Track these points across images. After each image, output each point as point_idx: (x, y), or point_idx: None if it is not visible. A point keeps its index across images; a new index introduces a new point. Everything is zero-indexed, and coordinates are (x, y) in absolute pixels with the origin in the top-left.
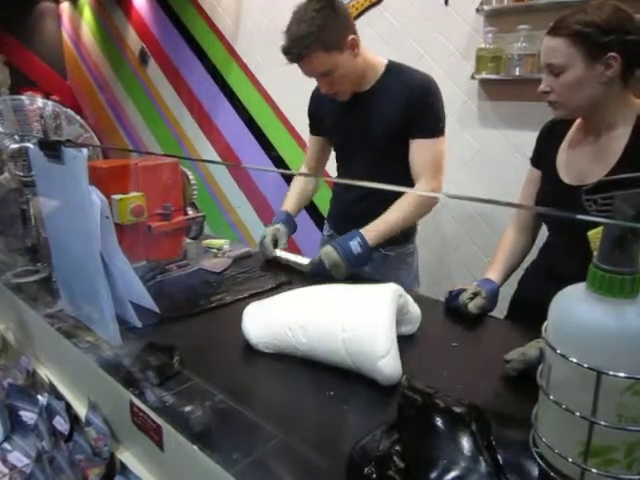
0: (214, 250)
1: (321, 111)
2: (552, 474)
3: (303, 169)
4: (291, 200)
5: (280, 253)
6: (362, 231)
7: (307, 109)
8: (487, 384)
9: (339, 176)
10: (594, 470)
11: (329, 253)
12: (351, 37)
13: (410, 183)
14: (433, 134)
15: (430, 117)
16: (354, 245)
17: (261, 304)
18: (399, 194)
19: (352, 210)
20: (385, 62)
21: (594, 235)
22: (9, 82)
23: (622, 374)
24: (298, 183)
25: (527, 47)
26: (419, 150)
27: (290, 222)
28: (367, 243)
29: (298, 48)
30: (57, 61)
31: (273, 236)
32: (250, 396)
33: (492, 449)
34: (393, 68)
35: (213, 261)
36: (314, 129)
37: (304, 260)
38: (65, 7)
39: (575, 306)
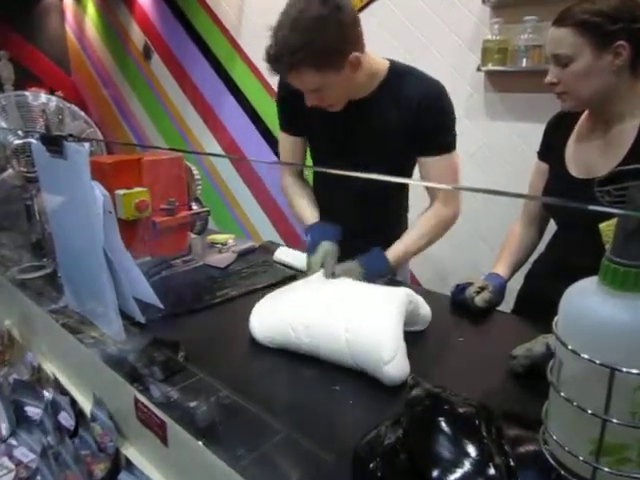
0: (218, 245)
1: (299, 108)
2: (563, 472)
3: (288, 176)
4: (311, 210)
5: (280, 256)
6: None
7: (279, 105)
8: (493, 379)
9: (321, 188)
10: (606, 469)
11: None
12: (353, 55)
13: (405, 203)
14: (450, 148)
15: (447, 130)
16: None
17: (270, 299)
18: (401, 209)
19: (348, 225)
20: (387, 64)
21: (606, 228)
22: (13, 78)
23: (636, 371)
24: (300, 191)
25: (534, 38)
26: (437, 167)
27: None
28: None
29: (284, 60)
30: (61, 57)
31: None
32: (255, 391)
33: (504, 453)
34: (396, 71)
35: (218, 256)
36: (287, 126)
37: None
38: (68, 3)
39: (587, 301)
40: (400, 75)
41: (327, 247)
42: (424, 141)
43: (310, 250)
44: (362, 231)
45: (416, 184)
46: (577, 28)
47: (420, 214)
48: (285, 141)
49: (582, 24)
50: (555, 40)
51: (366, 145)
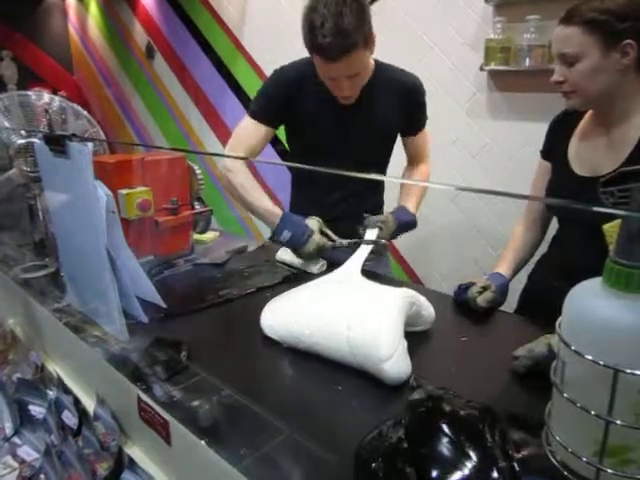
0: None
1: (297, 107)
2: (565, 473)
3: (244, 166)
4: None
5: (282, 255)
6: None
7: (268, 96)
8: (497, 379)
9: (304, 176)
10: (610, 470)
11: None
12: (374, 34)
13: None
14: (425, 125)
15: (424, 113)
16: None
17: (285, 295)
18: (378, 193)
19: (332, 212)
20: (372, 60)
21: (610, 228)
22: (16, 78)
23: (639, 372)
24: (257, 185)
25: (537, 37)
26: (418, 141)
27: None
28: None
29: (345, 43)
30: (64, 56)
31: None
32: (258, 391)
33: (508, 456)
34: (381, 67)
35: (211, 255)
36: (275, 121)
37: (313, 266)
38: (71, 2)
39: (591, 302)
40: (384, 69)
41: (315, 224)
42: (412, 120)
43: (298, 237)
44: (354, 195)
45: (416, 184)
46: (584, 26)
47: (408, 172)
48: (257, 130)
49: (590, 22)
50: (562, 39)
51: (365, 129)
